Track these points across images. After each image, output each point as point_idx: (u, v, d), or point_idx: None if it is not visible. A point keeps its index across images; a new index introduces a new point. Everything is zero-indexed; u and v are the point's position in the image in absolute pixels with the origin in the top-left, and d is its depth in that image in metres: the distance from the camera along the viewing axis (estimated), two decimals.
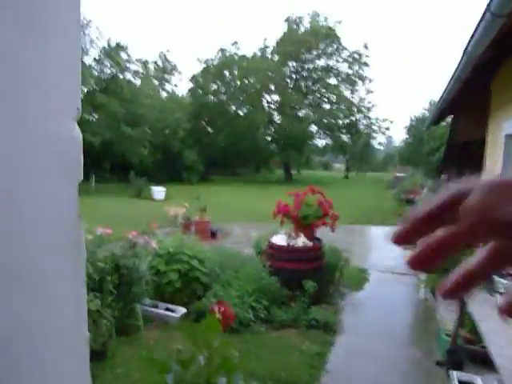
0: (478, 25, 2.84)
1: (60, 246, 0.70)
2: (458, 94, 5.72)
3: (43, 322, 0.67)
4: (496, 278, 3.15)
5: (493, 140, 5.67)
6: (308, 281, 4.64)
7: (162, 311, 4.40)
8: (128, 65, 23.25)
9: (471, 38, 3.18)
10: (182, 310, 4.40)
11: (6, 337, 0.61)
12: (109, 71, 22.03)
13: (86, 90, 22.16)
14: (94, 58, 21.90)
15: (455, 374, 3.40)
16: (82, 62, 21.42)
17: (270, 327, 4.36)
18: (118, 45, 21.84)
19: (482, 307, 2.98)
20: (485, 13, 2.58)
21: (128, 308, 3.97)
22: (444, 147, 14.31)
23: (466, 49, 3.51)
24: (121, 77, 22.53)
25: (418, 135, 31.44)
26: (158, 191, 18.08)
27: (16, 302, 0.62)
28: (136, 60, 23.72)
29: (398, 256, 8.04)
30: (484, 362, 3.48)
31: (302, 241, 4.92)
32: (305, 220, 4.93)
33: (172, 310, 4.41)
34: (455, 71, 4.30)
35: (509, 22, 2.91)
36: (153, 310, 4.43)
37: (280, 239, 5.07)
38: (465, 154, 9.98)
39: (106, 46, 21.55)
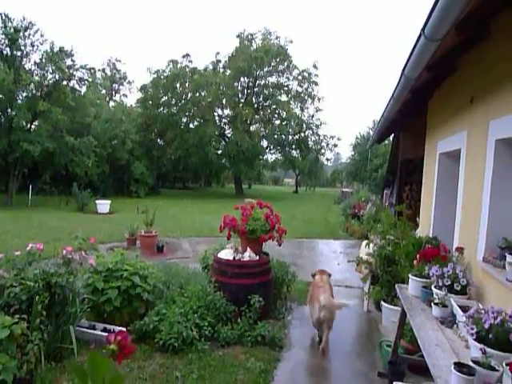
0: (414, 47, 2.98)
1: None
2: (398, 114, 6.02)
3: None
4: (433, 289, 3.27)
5: (429, 158, 6.01)
6: (255, 296, 4.58)
7: (99, 332, 4.12)
8: (73, 71, 22.20)
9: (407, 60, 3.34)
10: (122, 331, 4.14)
11: None
12: (51, 77, 20.91)
13: (25, 95, 20.93)
14: (35, 62, 20.72)
15: None
16: (22, 65, 20.24)
17: (214, 345, 4.22)
18: (61, 49, 20.79)
19: (420, 317, 3.07)
20: (419, 36, 2.71)
21: (60, 330, 3.67)
22: (386, 164, 15.06)
23: (403, 70, 3.68)
24: (65, 83, 21.45)
25: (363, 152, 32.85)
26: (103, 204, 17.32)
27: None
28: (81, 67, 22.72)
29: (345, 269, 8.24)
30: (424, 371, 3.59)
31: (248, 255, 4.86)
32: (252, 234, 4.88)
33: (110, 331, 4.14)
34: (394, 92, 4.51)
35: (443, 46, 3.10)
36: (90, 331, 4.14)
37: (226, 254, 4.98)
38: (406, 170, 10.51)
39: (49, 50, 20.44)
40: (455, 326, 2.83)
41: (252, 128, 32.76)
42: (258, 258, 4.92)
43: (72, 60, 22.20)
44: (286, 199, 30.74)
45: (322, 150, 35.93)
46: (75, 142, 20.95)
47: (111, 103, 37.58)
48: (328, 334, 4.35)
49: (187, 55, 32.12)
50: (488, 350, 2.11)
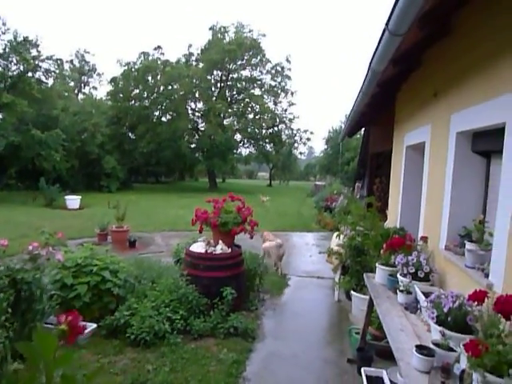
0: (379, 42, 3.05)
1: None
2: (367, 108, 6.13)
3: None
4: (398, 277, 3.39)
5: (396, 151, 6.17)
6: (227, 288, 4.60)
7: None
8: (38, 62, 21.35)
9: (374, 54, 3.41)
10: (92, 326, 4.08)
11: None
12: (16, 68, 20.06)
13: None
14: None
15: (363, 370, 3.58)
16: None
17: (187, 338, 4.23)
18: (25, 39, 19.94)
19: (386, 304, 3.18)
20: (383, 31, 2.77)
21: (27, 328, 3.58)
22: (358, 157, 15.36)
23: (370, 64, 3.75)
24: (30, 75, 20.62)
25: (335, 146, 33.35)
26: (73, 200, 16.86)
27: None
28: (47, 58, 21.87)
29: (317, 261, 8.38)
30: (391, 356, 3.73)
31: (220, 248, 4.87)
32: (224, 227, 4.90)
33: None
34: (362, 85, 4.60)
35: (407, 41, 3.19)
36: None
37: (199, 247, 4.98)
38: (376, 163, 10.76)
39: (13, 39, 19.56)
40: (418, 311, 2.95)
41: (225, 122, 32.62)
42: (230, 250, 4.94)
43: (37, 51, 21.39)
44: (260, 193, 30.83)
45: (296, 144, 36.24)
46: (42, 135, 20.26)
47: (80, 96, 36.51)
48: (280, 264, 7.13)
49: (159, 47, 31.54)
50: (447, 332, 2.22)
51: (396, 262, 3.48)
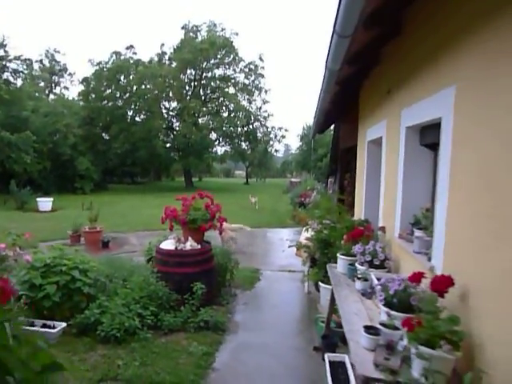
0: (330, 43, 3.20)
1: None
2: (332, 105, 6.33)
3: None
4: (356, 265, 3.58)
5: (360, 145, 6.41)
6: (197, 284, 4.71)
7: (38, 329, 4.06)
8: (5, 63, 20.78)
9: (327, 54, 3.57)
10: (62, 325, 4.11)
11: None
12: None
13: None
14: None
15: (326, 356, 3.76)
16: None
17: (157, 333, 4.31)
18: None
19: (345, 291, 3.37)
20: (332, 33, 2.93)
21: None
22: (329, 153, 15.66)
23: (325, 63, 3.91)
24: None
25: (309, 143, 33.73)
26: (45, 202, 16.54)
27: None
28: (15, 58, 21.32)
29: (290, 255, 8.56)
30: None
31: (190, 244, 4.97)
32: (193, 224, 5.00)
33: (50, 326, 4.09)
34: (322, 84, 4.77)
35: (358, 42, 3.36)
36: (28, 328, 4.06)
37: (168, 244, 5.06)
38: (346, 158, 11.03)
39: None
40: (374, 296, 3.14)
41: (200, 120, 32.55)
42: (199, 246, 5.04)
43: (5, 51, 20.80)
44: (237, 190, 30.95)
45: (271, 142, 36.49)
46: (11, 137, 19.75)
47: (51, 96, 35.65)
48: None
49: (131, 47, 31.20)
50: (392, 312, 2.40)
51: (355, 252, 3.67)
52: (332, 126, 12.05)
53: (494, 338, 1.77)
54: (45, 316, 4.28)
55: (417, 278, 2.28)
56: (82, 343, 4.02)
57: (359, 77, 5.62)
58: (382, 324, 2.38)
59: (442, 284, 2.10)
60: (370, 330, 2.36)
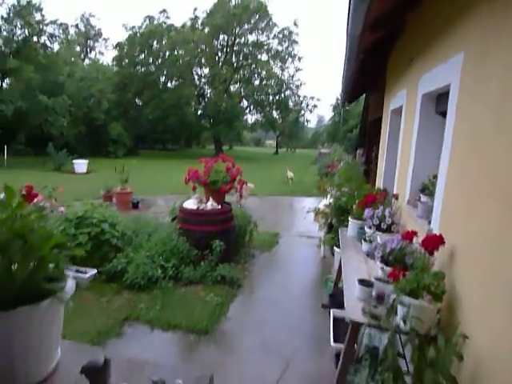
0: (349, 8, 3.24)
1: None
2: (359, 75, 6.28)
3: None
4: (365, 228, 3.74)
5: (384, 116, 6.37)
6: (216, 241, 5.00)
7: (71, 273, 4.49)
8: (42, 27, 21.31)
9: (347, 19, 3.59)
10: (93, 271, 4.54)
11: None
12: (20, 33, 20.07)
13: None
14: (2, 17, 19.75)
15: (331, 312, 4.00)
16: None
17: (178, 284, 4.68)
18: (29, 3, 19.84)
19: (351, 252, 3.55)
20: None
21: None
22: (359, 124, 15.41)
23: (346, 30, 3.93)
24: (35, 40, 20.66)
25: (341, 114, 33.05)
26: (80, 164, 17.33)
27: None
28: (52, 22, 21.82)
29: (310, 222, 8.75)
30: None
31: (211, 205, 5.24)
32: (213, 185, 5.25)
33: (82, 272, 4.53)
34: (345, 52, 4.76)
35: (378, 6, 3.36)
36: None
37: (191, 204, 5.35)
38: (374, 130, 10.88)
39: (16, 3, 19.48)
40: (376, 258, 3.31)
41: (231, 88, 32.41)
42: (219, 207, 5.31)
43: (41, 14, 21.27)
44: (266, 160, 31.06)
45: (302, 111, 35.98)
46: (49, 101, 20.51)
47: (86, 61, 36.32)
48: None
49: (164, 11, 31.03)
50: (386, 268, 2.57)
51: (365, 216, 3.81)
52: (363, 96, 11.86)
53: (469, 294, 1.92)
54: (77, 263, 4.71)
55: (409, 236, 2.42)
56: (109, 288, 4.44)
57: (386, 46, 5.53)
58: (376, 278, 2.57)
59: (432, 242, 2.24)
60: (363, 282, 2.55)
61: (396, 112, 5.22)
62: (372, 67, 6.35)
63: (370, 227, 3.67)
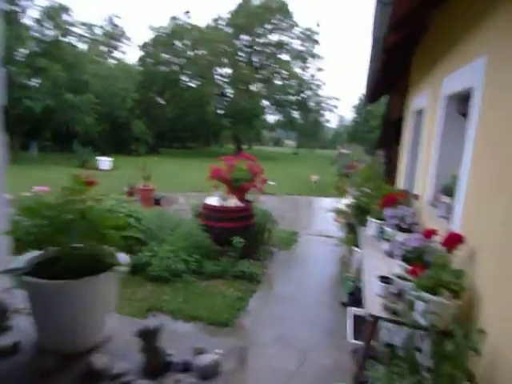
0: (375, 10, 3.29)
1: None
2: (382, 74, 6.28)
3: None
4: (385, 228, 3.78)
5: (406, 116, 6.36)
6: (236, 237, 5.11)
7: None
8: (71, 28, 21.97)
9: (373, 22, 3.65)
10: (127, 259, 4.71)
11: None
12: (50, 33, 20.72)
13: (25, 53, 20.83)
14: (34, 18, 20.44)
15: (352, 310, 4.05)
16: (20, 22, 19.99)
17: (200, 278, 4.82)
18: (60, 5, 20.49)
19: (370, 250, 3.60)
20: (377, 1, 3.02)
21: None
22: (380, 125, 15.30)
23: (372, 31, 3.98)
24: (63, 40, 21.29)
25: (363, 114, 32.80)
26: (104, 161, 17.77)
27: None
28: (80, 23, 22.48)
29: (328, 222, 8.79)
30: None
31: (233, 202, 5.36)
32: (236, 183, 5.36)
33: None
34: (370, 52, 4.80)
35: (400, 9, 3.40)
36: None
37: (213, 200, 5.48)
38: (395, 130, 10.79)
39: (47, 6, 20.15)
40: (396, 256, 3.35)
41: (252, 88, 32.55)
42: (241, 204, 5.42)
43: (70, 16, 21.88)
44: (284, 160, 31.09)
45: (322, 111, 35.83)
46: (74, 99, 21.08)
47: (110, 60, 37.08)
48: None
49: (188, 12, 31.42)
50: (406, 266, 2.62)
51: (385, 215, 3.85)
52: (385, 97, 11.79)
53: (488, 292, 1.96)
54: None
55: (429, 234, 2.47)
56: (134, 280, 4.61)
57: (409, 46, 5.53)
58: (396, 275, 2.62)
59: (452, 240, 2.29)
60: (384, 279, 2.61)
61: (418, 113, 5.22)
62: (395, 68, 6.34)
63: (390, 227, 3.72)
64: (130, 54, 66.19)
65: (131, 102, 26.17)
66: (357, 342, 3.50)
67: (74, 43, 23.63)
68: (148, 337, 0.83)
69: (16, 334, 0.95)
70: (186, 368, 0.86)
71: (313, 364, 3.37)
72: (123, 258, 1.01)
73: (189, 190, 12.71)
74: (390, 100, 10.93)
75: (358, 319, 4.08)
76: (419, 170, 4.45)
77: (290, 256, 6.29)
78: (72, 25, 22.13)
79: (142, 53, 31.72)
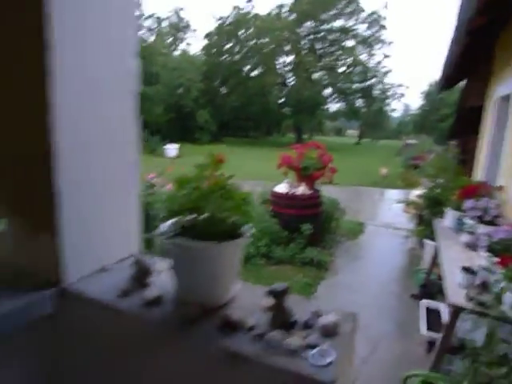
0: None
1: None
2: (462, 59, 5.95)
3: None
4: (465, 220, 3.65)
5: (489, 103, 5.97)
6: (304, 224, 5.19)
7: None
8: (141, 21, 23.12)
9: (460, 3, 3.48)
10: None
11: None
12: None
13: None
14: None
15: (424, 302, 3.97)
16: None
17: (268, 262, 4.97)
18: None
19: (448, 242, 3.50)
20: None
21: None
22: (454, 114, 14.41)
23: (458, 13, 3.80)
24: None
25: (432, 102, 31.02)
26: (171, 149, 18.63)
27: None
28: (149, 16, 23.55)
29: (395, 214, 8.55)
30: None
31: (301, 190, 5.42)
32: (305, 171, 5.42)
33: None
34: (453, 35, 4.57)
35: None
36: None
37: (282, 188, 5.59)
38: (471, 119, 10.16)
39: None
40: (478, 248, 3.24)
41: (314, 76, 32.06)
42: (310, 192, 5.47)
43: (140, 10, 22.98)
44: (347, 150, 30.40)
45: (388, 100, 34.42)
46: (146, 90, 22.22)
47: (176, 52, 38.47)
48: None
49: (250, 0, 31.54)
50: (492, 257, 2.54)
51: (465, 206, 3.71)
52: (460, 84, 11.09)
53: None
54: None
55: None
56: None
57: (494, 28, 5.17)
58: (481, 267, 2.55)
59: None
60: (467, 270, 2.55)
61: (503, 99, 4.89)
62: (476, 52, 5.97)
63: (471, 218, 3.57)
64: (195, 45, 67.93)
65: (196, 91, 27.00)
66: (430, 333, 3.45)
67: (143, 36, 24.85)
68: (278, 296, 0.94)
69: (157, 290, 1.11)
70: (308, 326, 0.96)
71: (384, 352, 3.37)
72: (248, 228, 1.13)
73: (253, 178, 12.95)
74: (467, 87, 10.25)
75: (430, 311, 4.00)
76: (504, 160, 4.20)
77: (356, 246, 6.25)
78: (143, 18, 23.29)
79: (205, 43, 32.48)
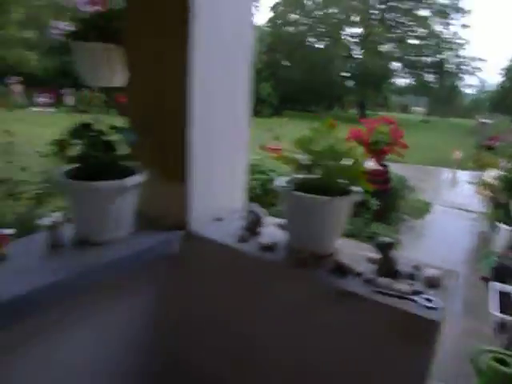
0: None
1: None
2: None
3: None
4: None
5: None
6: (372, 199, 5.18)
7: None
8: None
9: None
10: None
11: None
12: None
13: None
14: None
15: (497, 285, 3.88)
16: None
17: None
18: None
19: None
20: None
21: None
22: None
23: None
24: None
25: None
26: None
27: None
28: None
29: (466, 195, 8.19)
30: None
31: (370, 164, 5.38)
32: (375, 145, 5.35)
33: None
34: None
35: None
36: None
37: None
38: None
39: None
40: None
41: (383, 48, 30.46)
42: (378, 167, 5.42)
43: None
44: (414, 128, 28.88)
45: (463, 75, 31.96)
46: None
47: None
48: None
49: None
50: None
51: None
52: None
53: None
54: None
55: None
56: None
57: None
58: None
59: None
60: None
61: None
62: None
63: None
64: (260, 17, 67.03)
65: (260, 64, 26.84)
66: (502, 315, 3.40)
67: None
68: (384, 247, 1.06)
69: (269, 238, 1.28)
70: (412, 277, 1.07)
71: (452, 327, 3.40)
72: (358, 189, 1.26)
73: None
74: None
75: (502, 296, 3.91)
76: None
77: (422, 225, 6.14)
78: None
79: (271, 15, 31.92)
